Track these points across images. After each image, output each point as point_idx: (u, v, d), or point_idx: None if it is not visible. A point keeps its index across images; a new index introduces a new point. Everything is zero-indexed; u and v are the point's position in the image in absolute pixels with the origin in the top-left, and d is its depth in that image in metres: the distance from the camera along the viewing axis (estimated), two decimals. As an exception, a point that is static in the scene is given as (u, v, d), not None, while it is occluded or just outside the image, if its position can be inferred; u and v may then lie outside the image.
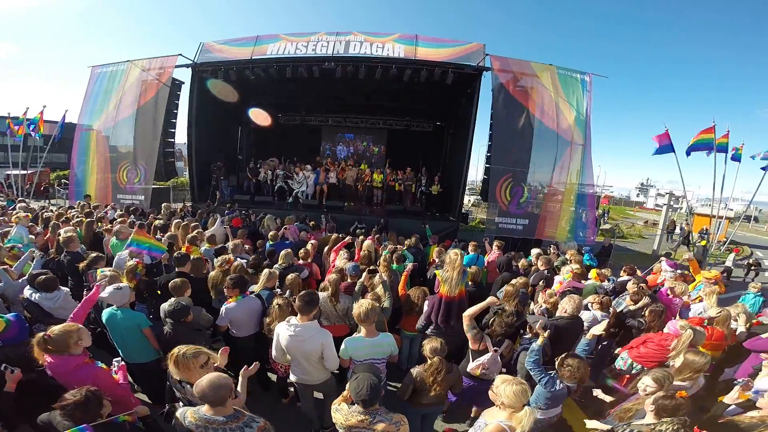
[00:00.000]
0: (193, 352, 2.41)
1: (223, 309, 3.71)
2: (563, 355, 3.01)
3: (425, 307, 4.16)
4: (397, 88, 12.02)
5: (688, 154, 10.40)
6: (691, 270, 6.08)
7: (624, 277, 5.66)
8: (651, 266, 6.66)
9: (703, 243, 13.32)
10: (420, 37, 10.79)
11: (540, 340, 3.08)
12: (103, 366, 2.69)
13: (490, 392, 2.37)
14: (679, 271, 5.80)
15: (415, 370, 2.91)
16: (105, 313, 3.39)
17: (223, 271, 4.51)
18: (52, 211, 8.44)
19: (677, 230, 18.58)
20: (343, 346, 3.10)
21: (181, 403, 2.67)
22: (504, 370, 3.81)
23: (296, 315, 3.09)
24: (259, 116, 14.58)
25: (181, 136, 13.47)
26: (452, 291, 3.99)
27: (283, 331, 3.01)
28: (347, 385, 2.30)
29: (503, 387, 2.24)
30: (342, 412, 2.24)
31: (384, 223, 8.78)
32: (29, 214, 7.00)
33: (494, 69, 9.86)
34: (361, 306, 3.09)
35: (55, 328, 2.55)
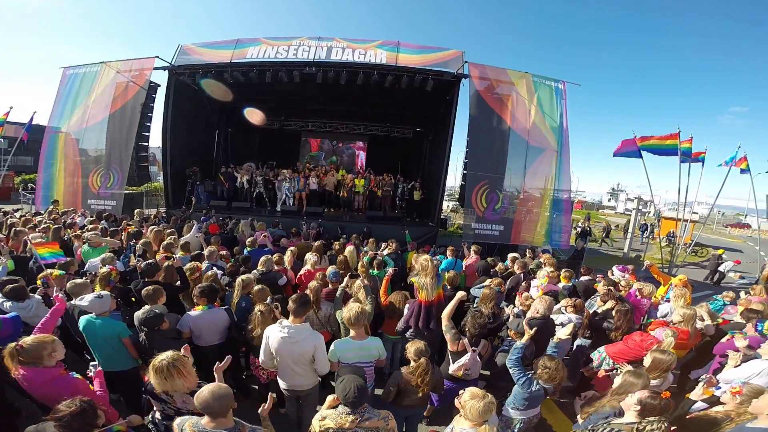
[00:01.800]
0: (175, 359, 2.34)
1: (186, 315, 3.66)
2: (541, 357, 3.07)
3: (405, 311, 4.21)
4: (378, 94, 12.06)
5: (639, 154, 10.52)
6: (653, 275, 6.38)
7: (583, 278, 5.83)
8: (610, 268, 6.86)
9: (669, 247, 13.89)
10: (402, 44, 10.91)
11: (525, 338, 3.15)
12: (79, 376, 2.60)
13: (456, 400, 2.38)
14: (628, 275, 6.01)
15: (401, 373, 2.94)
16: (82, 321, 3.28)
17: (193, 279, 4.44)
18: (16, 216, 8.07)
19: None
20: (332, 348, 3.11)
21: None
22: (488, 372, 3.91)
23: (275, 322, 3.09)
24: (254, 115, 14.32)
25: (155, 140, 13.13)
26: (430, 296, 4.06)
27: (274, 334, 2.97)
28: (335, 389, 2.30)
29: (470, 402, 2.24)
30: (331, 417, 2.23)
31: (367, 231, 8.82)
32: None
33: (472, 76, 10.04)
34: (351, 310, 3.11)
35: (28, 339, 2.46)
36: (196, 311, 3.65)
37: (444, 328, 3.43)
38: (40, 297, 3.78)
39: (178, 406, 2.46)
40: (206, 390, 1.99)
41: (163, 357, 2.33)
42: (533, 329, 3.26)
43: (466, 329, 3.60)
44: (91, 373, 2.65)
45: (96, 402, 2.10)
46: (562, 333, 3.27)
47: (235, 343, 3.84)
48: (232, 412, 2.07)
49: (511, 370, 3.04)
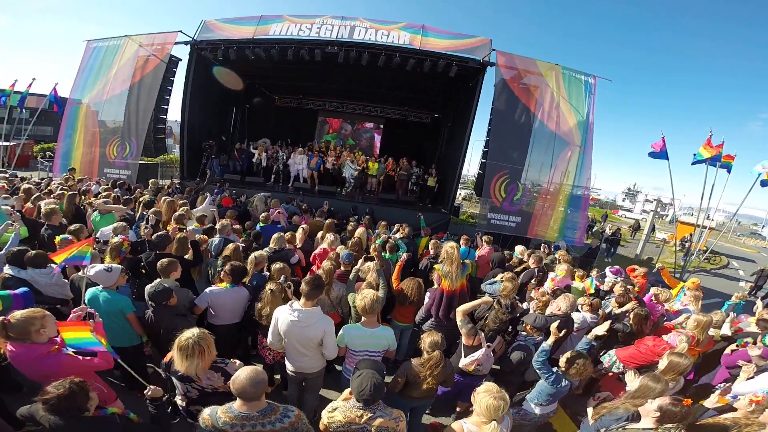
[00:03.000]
0: (201, 337, 2.28)
1: (207, 291, 3.54)
2: (572, 353, 3.04)
3: (426, 300, 4.15)
4: (399, 77, 11.87)
5: (694, 163, 10.59)
6: (663, 278, 6.23)
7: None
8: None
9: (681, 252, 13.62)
10: (427, 27, 10.61)
11: (551, 340, 3.09)
12: (71, 353, 2.43)
13: (473, 394, 2.33)
14: (621, 278, 5.65)
15: (411, 363, 2.87)
16: (88, 293, 3.19)
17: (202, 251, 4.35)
18: (34, 182, 8.14)
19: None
20: (341, 333, 3.06)
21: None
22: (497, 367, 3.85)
23: (289, 301, 3.03)
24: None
25: (173, 113, 13.17)
26: (453, 285, 4.03)
27: (284, 316, 2.90)
28: (351, 382, 2.23)
29: (482, 395, 2.19)
30: (342, 409, 2.17)
31: (370, 213, 8.77)
32: (5, 185, 6.54)
33: (499, 64, 9.77)
34: (365, 297, 3.04)
35: (17, 313, 2.32)
36: (219, 287, 3.55)
37: (459, 323, 3.34)
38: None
39: (202, 385, 2.42)
40: (242, 374, 1.94)
41: (189, 335, 2.27)
42: (562, 331, 3.17)
43: (486, 323, 3.54)
44: (90, 322, 2.51)
45: (89, 383, 2.00)
46: (599, 330, 3.25)
47: (249, 324, 3.75)
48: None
49: (539, 371, 3.01)
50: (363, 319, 3.12)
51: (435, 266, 4.51)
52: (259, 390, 1.94)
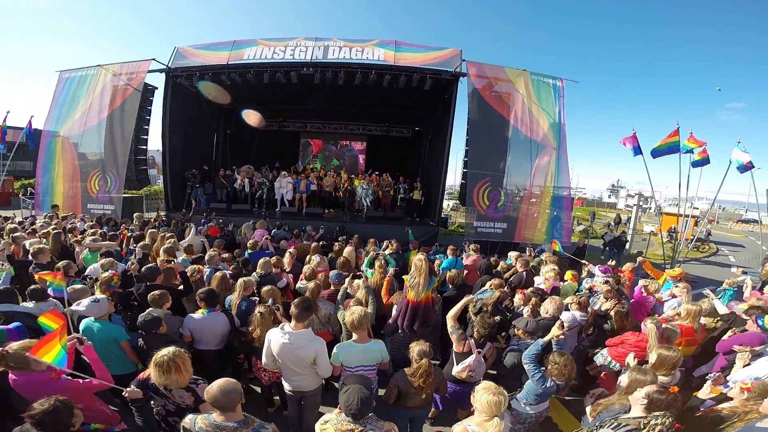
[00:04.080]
0: (176, 355, 2.42)
1: (186, 318, 3.66)
2: (551, 354, 3.10)
3: (393, 312, 4.19)
4: (377, 94, 12.04)
5: (654, 156, 10.73)
6: (646, 270, 6.33)
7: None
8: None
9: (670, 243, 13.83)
10: (399, 43, 10.88)
11: (548, 336, 3.17)
12: (70, 378, 2.59)
13: (472, 394, 2.40)
14: (608, 275, 5.72)
15: (403, 373, 2.91)
16: (82, 325, 3.32)
17: (194, 281, 4.43)
18: (18, 222, 8.04)
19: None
20: (334, 352, 3.09)
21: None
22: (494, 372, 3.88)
23: (279, 324, 3.07)
24: (252, 117, 14.24)
25: (153, 143, 13.09)
26: (419, 296, 4.04)
27: (276, 338, 2.95)
28: (339, 398, 2.27)
29: (481, 393, 2.26)
30: (333, 422, 2.20)
31: (340, 230, 8.88)
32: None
33: (470, 75, 10.02)
34: (353, 313, 3.09)
35: (14, 345, 2.47)
36: (197, 314, 3.65)
37: (449, 329, 3.41)
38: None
39: (176, 402, 2.52)
40: (215, 386, 2.06)
41: (165, 352, 2.42)
42: (562, 330, 3.26)
43: (474, 330, 3.58)
44: (79, 347, 2.64)
45: (87, 405, 2.16)
46: (553, 331, 3.29)
47: (233, 349, 3.84)
48: (241, 407, 2.14)
49: (526, 366, 3.07)
50: (354, 335, 3.16)
51: (404, 277, 4.56)
52: (230, 400, 2.05)
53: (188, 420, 2.14)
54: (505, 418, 2.28)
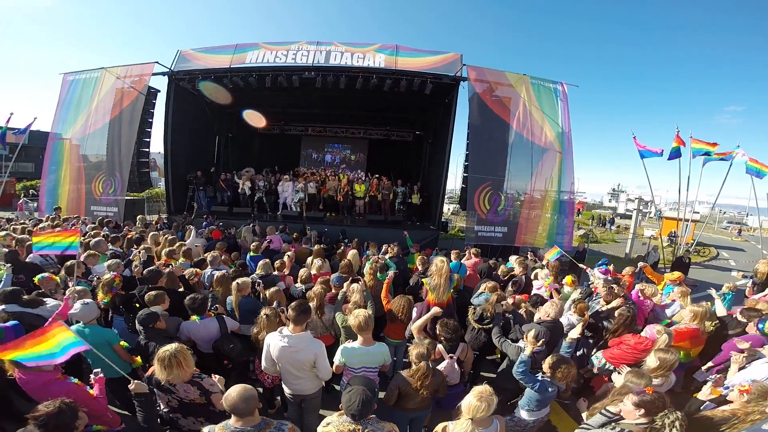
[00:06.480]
0: (178, 350, 2.49)
1: (182, 324, 3.68)
2: (553, 359, 3.09)
3: (413, 314, 4.20)
4: (378, 98, 12.09)
5: (670, 158, 10.61)
6: (647, 275, 6.32)
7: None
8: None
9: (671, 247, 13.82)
10: (400, 47, 10.92)
11: (528, 350, 3.15)
12: (76, 381, 2.64)
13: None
14: (609, 277, 5.80)
15: (402, 375, 2.94)
16: (72, 330, 3.22)
17: (193, 284, 4.49)
18: (23, 222, 8.07)
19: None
20: (338, 353, 3.12)
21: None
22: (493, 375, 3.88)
23: (283, 326, 3.10)
24: (254, 118, 14.30)
25: (155, 145, 13.13)
26: (440, 298, 4.08)
27: (274, 342, 2.97)
28: (342, 398, 2.30)
29: (469, 395, 2.30)
30: (335, 423, 2.23)
31: (342, 234, 8.93)
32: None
33: (471, 79, 10.07)
34: (358, 316, 3.12)
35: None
36: (191, 321, 3.68)
37: (417, 340, 3.45)
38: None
39: (181, 396, 2.57)
40: (233, 392, 2.07)
41: (167, 348, 2.50)
42: (539, 341, 3.24)
43: (440, 335, 3.57)
44: (92, 380, 2.67)
45: (82, 404, 2.13)
46: (573, 332, 3.36)
47: (223, 353, 3.82)
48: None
49: (521, 381, 3.06)
50: (359, 338, 3.18)
51: (423, 280, 4.58)
52: (249, 405, 2.07)
53: (205, 430, 2.14)
54: (493, 424, 2.31)
